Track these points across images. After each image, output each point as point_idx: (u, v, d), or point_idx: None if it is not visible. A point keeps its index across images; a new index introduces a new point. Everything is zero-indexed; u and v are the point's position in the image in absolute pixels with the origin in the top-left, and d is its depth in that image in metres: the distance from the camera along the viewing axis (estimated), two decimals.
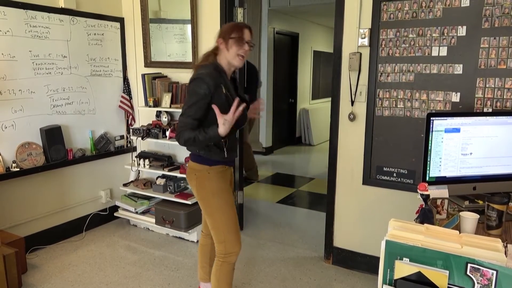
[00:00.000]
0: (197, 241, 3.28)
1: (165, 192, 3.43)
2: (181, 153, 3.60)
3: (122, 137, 3.78)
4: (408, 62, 2.53)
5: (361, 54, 2.67)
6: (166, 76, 3.57)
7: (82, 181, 3.51)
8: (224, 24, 3.21)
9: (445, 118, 1.87)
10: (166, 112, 3.44)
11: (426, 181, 1.89)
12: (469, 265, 1.03)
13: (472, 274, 1.03)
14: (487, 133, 1.92)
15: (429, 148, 1.88)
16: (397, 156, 2.65)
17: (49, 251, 3.18)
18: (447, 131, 1.88)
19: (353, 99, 2.74)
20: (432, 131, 1.87)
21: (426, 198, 1.56)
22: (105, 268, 2.94)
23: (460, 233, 1.16)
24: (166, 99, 3.40)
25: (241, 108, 1.89)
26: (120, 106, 3.71)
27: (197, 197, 2.13)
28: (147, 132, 3.41)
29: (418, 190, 1.57)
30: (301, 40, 7.72)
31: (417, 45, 2.49)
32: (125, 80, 3.75)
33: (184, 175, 3.30)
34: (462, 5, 2.33)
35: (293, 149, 7.64)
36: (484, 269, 1.01)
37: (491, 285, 1.01)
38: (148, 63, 3.63)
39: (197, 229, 3.31)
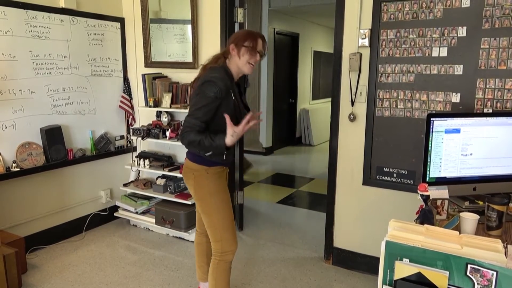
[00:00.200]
0: None
1: (165, 192, 3.43)
2: (181, 153, 3.60)
3: (122, 137, 3.78)
4: (408, 63, 2.53)
5: (361, 54, 2.67)
6: (166, 76, 3.57)
7: (82, 181, 3.51)
8: (224, 23, 3.24)
9: (445, 118, 1.87)
10: (166, 112, 3.44)
11: (426, 181, 1.89)
12: (469, 265, 1.03)
13: (472, 275, 1.03)
14: (487, 134, 1.92)
15: (429, 148, 1.88)
16: (397, 157, 2.65)
17: (49, 251, 3.18)
18: (447, 131, 1.88)
19: (353, 100, 2.74)
20: (432, 131, 1.87)
21: (426, 198, 1.56)
22: (105, 268, 2.94)
23: (460, 233, 1.16)
24: (166, 99, 3.40)
25: (252, 123, 1.90)
26: (120, 106, 3.71)
27: (194, 196, 2.13)
28: (147, 132, 3.41)
29: (418, 191, 1.57)
30: (302, 41, 7.72)
31: (417, 45, 2.49)
32: (125, 80, 3.75)
33: None
34: (462, 6, 2.33)
35: (293, 149, 7.64)
36: (484, 270, 1.01)
37: (491, 285, 1.01)
38: (149, 63, 3.63)
39: None
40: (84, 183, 3.53)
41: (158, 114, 3.52)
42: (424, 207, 1.58)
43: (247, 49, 2.00)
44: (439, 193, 1.72)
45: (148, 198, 3.61)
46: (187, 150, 2.12)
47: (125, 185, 3.66)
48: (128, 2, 3.67)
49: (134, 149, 3.84)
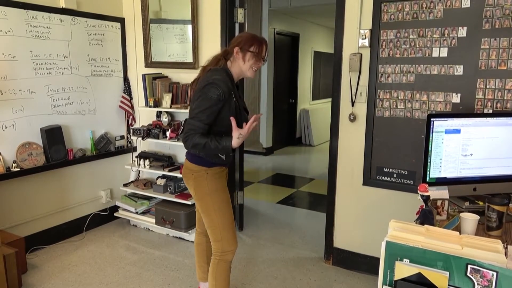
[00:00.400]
0: None
1: (165, 192, 3.43)
2: (182, 153, 3.60)
3: (122, 137, 3.78)
4: (408, 63, 2.53)
5: (361, 54, 2.67)
6: (166, 77, 3.57)
7: (82, 181, 3.51)
8: (224, 24, 3.24)
9: (445, 119, 1.87)
10: (167, 112, 3.44)
11: (427, 182, 1.89)
12: (469, 266, 1.03)
13: (472, 276, 1.03)
14: (487, 134, 1.92)
15: (430, 149, 1.88)
16: (397, 157, 2.65)
17: (49, 251, 3.18)
18: (447, 132, 1.88)
19: (353, 100, 2.74)
20: (432, 132, 1.86)
21: (426, 199, 1.56)
22: (105, 268, 2.94)
23: (460, 234, 1.16)
24: (167, 99, 3.40)
25: (254, 124, 1.91)
26: (120, 106, 3.71)
27: (194, 196, 2.13)
28: (147, 132, 3.41)
29: (418, 191, 1.57)
30: (302, 41, 7.72)
31: (417, 46, 2.49)
32: (126, 80, 3.76)
33: None
34: (462, 6, 2.33)
35: (293, 149, 7.64)
36: (484, 270, 1.01)
37: (491, 286, 1.01)
38: (149, 63, 3.64)
39: None
40: (84, 183, 3.53)
41: (158, 114, 3.52)
42: (424, 207, 1.57)
43: (253, 55, 2.00)
44: (439, 193, 1.72)
45: (148, 198, 3.61)
46: (186, 151, 2.12)
47: (125, 185, 3.66)
48: (128, 2, 3.67)
49: (134, 149, 3.84)
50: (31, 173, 3.03)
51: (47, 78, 3.13)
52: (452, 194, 1.81)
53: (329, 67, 8.38)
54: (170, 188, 3.42)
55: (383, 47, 2.59)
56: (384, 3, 2.55)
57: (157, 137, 3.38)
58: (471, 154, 1.92)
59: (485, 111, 2.35)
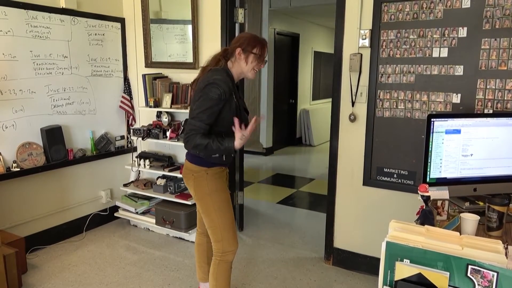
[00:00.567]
0: None
1: (166, 192, 3.43)
2: (182, 153, 3.60)
3: (122, 137, 3.78)
4: (408, 63, 2.53)
5: (361, 55, 2.67)
6: (166, 77, 3.57)
7: (82, 181, 3.51)
8: (225, 24, 3.24)
9: (445, 119, 1.87)
10: (167, 112, 3.44)
11: (427, 182, 1.89)
12: (469, 266, 1.03)
13: (472, 276, 1.03)
14: (487, 135, 1.92)
15: (430, 149, 1.88)
16: (397, 157, 2.65)
17: (49, 251, 3.18)
18: (447, 132, 1.88)
19: (353, 100, 2.74)
20: (432, 132, 1.86)
21: (426, 199, 1.56)
22: (105, 268, 2.94)
23: (460, 234, 1.16)
24: (167, 99, 3.40)
25: (255, 126, 1.92)
26: (120, 107, 3.71)
27: (194, 197, 2.13)
28: (147, 132, 3.41)
29: (418, 191, 1.57)
30: (302, 41, 7.72)
31: (417, 46, 2.49)
32: (126, 80, 3.76)
33: None
34: (463, 6, 2.33)
35: (293, 149, 7.64)
36: (485, 270, 1.01)
37: (492, 287, 1.01)
38: (149, 63, 3.64)
39: None
40: (84, 183, 3.53)
41: (159, 115, 3.52)
42: (424, 207, 1.57)
43: (256, 57, 2.00)
44: (440, 193, 1.72)
45: (148, 198, 3.61)
46: (186, 151, 2.12)
47: (125, 185, 3.66)
48: (128, 3, 3.67)
49: (135, 149, 3.84)
50: (31, 173, 3.03)
51: (47, 78, 3.13)
52: (452, 195, 1.81)
53: (329, 67, 8.38)
54: (170, 188, 3.42)
55: (383, 47, 2.59)
56: (385, 3, 2.55)
57: (157, 137, 3.38)
58: (472, 155, 1.92)
59: (486, 111, 2.35)
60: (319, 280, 2.82)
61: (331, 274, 2.90)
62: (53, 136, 3.13)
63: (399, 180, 2.66)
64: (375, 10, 2.58)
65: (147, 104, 3.52)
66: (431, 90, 2.49)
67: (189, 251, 3.21)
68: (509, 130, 1.94)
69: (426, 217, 1.55)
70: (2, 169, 2.86)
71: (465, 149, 1.91)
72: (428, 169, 1.89)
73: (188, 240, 3.39)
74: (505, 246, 1.11)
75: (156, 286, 2.71)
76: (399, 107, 2.60)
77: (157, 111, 3.51)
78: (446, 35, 2.40)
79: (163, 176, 3.52)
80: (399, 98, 2.59)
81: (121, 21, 3.69)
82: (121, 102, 3.71)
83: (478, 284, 1.02)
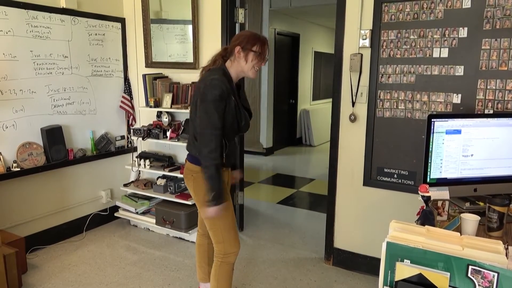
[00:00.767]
0: None
1: (166, 192, 3.43)
2: (182, 153, 3.60)
3: (122, 137, 3.78)
4: (409, 64, 2.53)
5: (362, 55, 2.67)
6: (167, 77, 3.57)
7: (82, 181, 3.51)
8: (225, 24, 3.24)
9: (446, 119, 1.87)
10: (167, 112, 3.44)
11: (427, 182, 1.89)
12: (470, 267, 1.03)
13: (473, 276, 1.03)
14: (488, 135, 1.92)
15: (430, 149, 1.88)
16: (398, 158, 2.64)
17: (49, 251, 3.18)
18: (448, 132, 1.88)
19: (354, 100, 2.73)
20: (433, 132, 1.86)
21: (427, 199, 1.56)
22: (105, 268, 2.94)
23: (461, 235, 1.16)
24: (167, 99, 3.40)
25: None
26: (121, 107, 3.71)
27: (194, 198, 2.12)
28: (147, 132, 3.41)
29: (419, 192, 1.57)
30: (302, 41, 7.72)
31: (418, 46, 2.49)
32: (126, 80, 3.76)
33: None
34: (463, 7, 2.33)
35: (293, 150, 7.64)
36: (485, 271, 1.01)
37: (492, 287, 1.01)
38: (149, 63, 3.64)
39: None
40: (85, 183, 3.53)
41: (159, 115, 3.52)
42: (425, 208, 1.57)
43: (255, 55, 1.96)
44: (440, 194, 1.72)
45: (149, 199, 3.61)
46: (187, 152, 2.12)
47: (125, 185, 3.66)
48: (129, 3, 3.67)
49: (135, 149, 3.84)
50: (32, 173, 3.03)
51: (47, 78, 3.13)
52: (452, 195, 1.81)
53: (329, 68, 8.38)
54: (170, 188, 3.42)
55: (384, 47, 2.59)
56: (385, 4, 2.55)
57: (157, 137, 3.38)
58: (472, 155, 1.92)
59: (486, 111, 2.35)
60: (319, 280, 2.82)
61: (331, 274, 2.90)
62: (53, 136, 3.13)
63: (400, 180, 2.66)
64: (375, 10, 2.58)
65: (147, 104, 3.52)
66: (431, 90, 2.49)
67: (189, 251, 3.21)
68: (510, 130, 1.94)
69: (426, 217, 1.55)
70: (3, 169, 2.86)
71: (465, 149, 1.91)
72: (429, 170, 1.89)
73: (188, 240, 3.39)
74: (506, 247, 1.10)
75: (156, 286, 2.71)
76: (399, 107, 2.60)
77: (157, 111, 3.51)
78: (447, 35, 2.40)
79: (163, 176, 3.52)
80: (400, 98, 2.59)
81: (122, 21, 3.69)
82: (122, 102, 3.71)
83: (479, 285, 1.02)
